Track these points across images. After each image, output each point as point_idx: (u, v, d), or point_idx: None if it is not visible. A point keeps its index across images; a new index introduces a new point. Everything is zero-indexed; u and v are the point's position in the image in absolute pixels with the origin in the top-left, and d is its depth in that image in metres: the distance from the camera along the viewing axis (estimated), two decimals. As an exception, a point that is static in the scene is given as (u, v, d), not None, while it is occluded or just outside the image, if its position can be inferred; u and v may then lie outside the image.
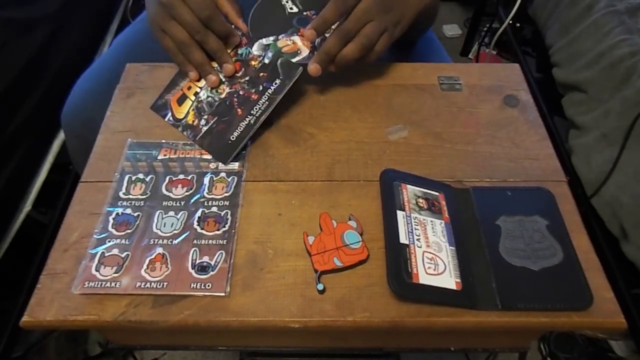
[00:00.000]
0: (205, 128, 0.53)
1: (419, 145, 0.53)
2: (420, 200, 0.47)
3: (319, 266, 0.43)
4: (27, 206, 0.85)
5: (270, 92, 0.53)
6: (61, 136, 0.93)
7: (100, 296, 0.42)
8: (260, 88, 0.54)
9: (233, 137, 0.52)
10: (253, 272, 0.43)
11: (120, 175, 0.50)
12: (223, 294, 0.41)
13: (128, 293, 0.41)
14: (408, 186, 0.48)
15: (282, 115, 0.56)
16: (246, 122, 0.53)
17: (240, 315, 0.41)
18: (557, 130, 1.06)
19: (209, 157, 0.52)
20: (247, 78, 0.55)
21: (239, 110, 0.53)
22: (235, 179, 0.50)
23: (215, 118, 0.54)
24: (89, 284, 0.42)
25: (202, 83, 0.56)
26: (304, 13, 0.58)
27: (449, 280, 0.42)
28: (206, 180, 0.50)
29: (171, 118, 0.55)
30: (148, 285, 0.42)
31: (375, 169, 0.50)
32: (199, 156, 0.52)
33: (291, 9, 0.58)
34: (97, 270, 0.43)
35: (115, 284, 0.42)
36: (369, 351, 0.62)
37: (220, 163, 0.51)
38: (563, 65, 1.05)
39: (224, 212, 0.47)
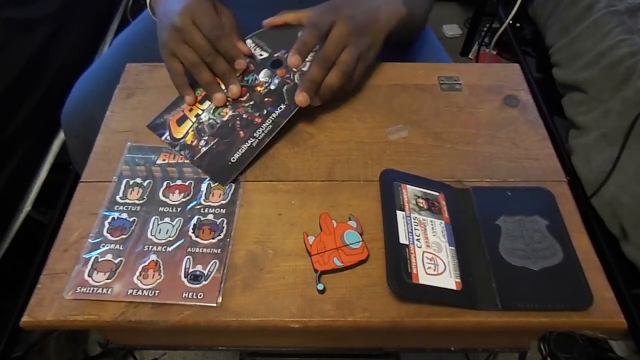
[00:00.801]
0: (204, 149, 0.52)
1: (419, 145, 0.53)
2: (420, 200, 0.47)
3: (319, 266, 0.43)
4: (27, 206, 0.85)
5: (274, 116, 0.53)
6: (61, 136, 0.93)
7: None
8: (265, 112, 0.53)
9: (234, 159, 0.51)
10: (253, 272, 0.43)
11: (118, 179, 0.50)
12: (214, 305, 0.41)
13: (119, 300, 0.41)
14: (408, 186, 0.48)
15: (282, 115, 0.56)
16: (248, 145, 0.51)
17: (240, 315, 0.41)
18: (557, 130, 1.06)
19: None
20: (251, 102, 0.55)
21: (241, 132, 0.52)
22: (233, 186, 0.49)
23: (216, 139, 0.52)
24: (80, 289, 0.42)
25: (205, 105, 0.55)
26: (275, 55, 0.57)
27: (449, 280, 0.42)
28: (203, 187, 0.49)
29: (168, 137, 0.53)
30: (140, 292, 0.41)
31: (375, 169, 0.50)
32: (198, 159, 0.52)
33: (261, 55, 0.58)
34: (89, 275, 0.42)
35: (107, 290, 0.42)
36: (369, 351, 0.62)
37: None
38: (563, 65, 1.05)
39: (220, 220, 0.47)
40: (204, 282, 0.42)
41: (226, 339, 0.53)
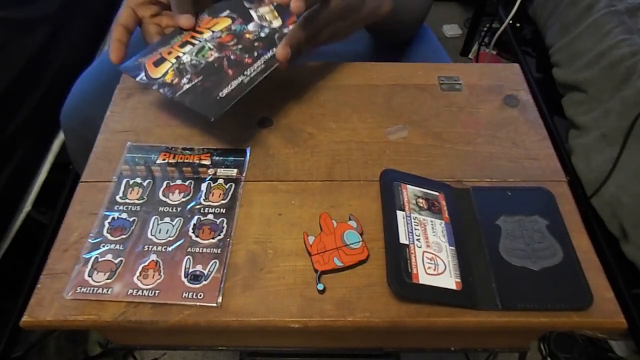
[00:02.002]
0: (187, 86, 0.48)
1: (419, 145, 0.53)
2: (420, 200, 0.47)
3: (319, 266, 0.43)
4: (27, 206, 0.85)
5: (266, 57, 0.49)
6: (61, 136, 0.93)
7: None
8: (255, 54, 0.50)
9: (222, 94, 0.47)
10: (253, 272, 0.43)
11: (118, 179, 0.49)
12: (214, 305, 0.41)
13: (119, 300, 0.41)
14: (408, 186, 0.48)
15: (282, 115, 0.56)
16: (238, 81, 0.47)
17: (240, 315, 0.41)
18: (557, 130, 1.06)
19: (207, 162, 0.51)
20: (239, 46, 0.51)
21: (229, 71, 0.49)
22: (233, 185, 0.49)
23: (201, 77, 0.48)
24: (81, 289, 0.42)
25: (186, 49, 0.52)
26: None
27: (449, 280, 0.42)
28: (203, 186, 0.49)
29: (144, 77, 0.49)
30: (140, 292, 0.41)
31: (375, 169, 0.50)
32: (197, 161, 0.51)
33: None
34: (89, 275, 0.42)
35: (107, 291, 0.41)
36: (369, 351, 0.62)
37: (218, 169, 0.50)
38: (563, 65, 1.06)
39: (220, 220, 0.46)
40: (204, 282, 0.42)
41: (226, 339, 0.53)
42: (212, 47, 0.52)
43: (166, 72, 0.50)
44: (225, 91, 0.47)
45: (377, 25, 0.60)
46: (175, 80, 0.49)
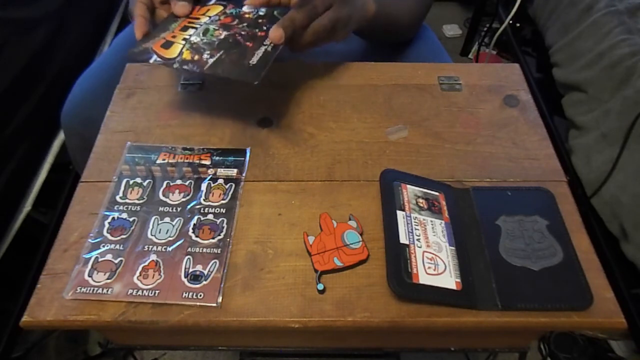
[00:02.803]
0: (212, 60, 0.48)
1: (419, 145, 0.53)
2: (420, 200, 0.47)
3: (319, 266, 0.43)
4: (27, 206, 0.85)
5: None
6: (61, 136, 0.93)
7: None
8: (264, 28, 0.50)
9: (253, 62, 0.47)
10: (253, 272, 0.43)
11: (118, 179, 0.49)
12: (214, 305, 0.41)
13: (119, 300, 0.41)
14: (408, 186, 0.48)
15: (282, 115, 0.56)
16: (263, 50, 0.48)
17: (240, 315, 0.41)
18: (557, 130, 1.06)
19: (207, 162, 0.51)
20: (244, 24, 0.52)
21: (248, 44, 0.49)
22: (233, 185, 0.49)
23: (222, 51, 0.48)
24: (81, 289, 0.42)
25: (189, 32, 0.52)
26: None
27: (449, 280, 0.42)
28: (203, 186, 0.49)
29: (158, 59, 0.49)
30: (140, 292, 0.41)
31: (375, 169, 0.50)
32: (197, 161, 0.51)
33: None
34: (89, 275, 0.42)
35: (107, 291, 0.42)
36: (369, 351, 0.62)
37: (218, 169, 0.50)
38: (563, 65, 1.05)
39: (220, 220, 0.47)
40: (204, 282, 0.42)
41: (226, 339, 0.53)
42: (216, 27, 0.52)
43: (181, 52, 0.49)
44: (254, 59, 0.47)
45: (372, 29, 0.59)
46: (196, 57, 0.48)
